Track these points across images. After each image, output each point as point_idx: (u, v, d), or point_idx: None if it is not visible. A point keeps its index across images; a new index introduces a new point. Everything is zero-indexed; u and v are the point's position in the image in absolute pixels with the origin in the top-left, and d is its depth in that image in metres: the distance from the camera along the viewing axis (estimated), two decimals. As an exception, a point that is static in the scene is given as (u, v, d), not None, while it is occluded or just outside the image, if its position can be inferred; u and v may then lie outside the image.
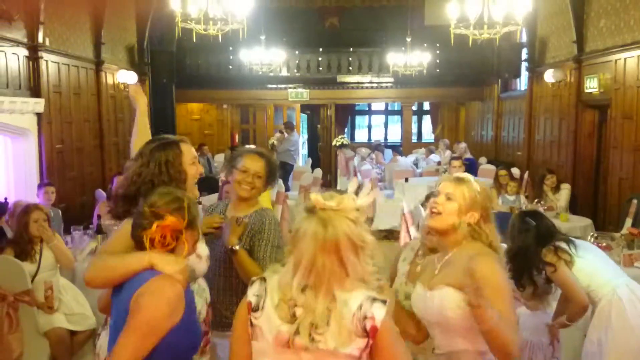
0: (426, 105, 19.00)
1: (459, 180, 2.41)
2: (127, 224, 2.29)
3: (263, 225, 3.00)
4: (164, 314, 1.95)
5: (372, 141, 18.36)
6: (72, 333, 4.57)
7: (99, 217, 5.93)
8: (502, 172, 7.73)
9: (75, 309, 4.63)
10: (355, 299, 1.84)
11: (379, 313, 1.82)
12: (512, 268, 3.49)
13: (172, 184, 2.48)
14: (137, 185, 2.50)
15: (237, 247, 2.90)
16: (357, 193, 1.96)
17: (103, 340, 2.48)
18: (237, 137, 17.13)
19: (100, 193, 8.48)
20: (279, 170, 3.28)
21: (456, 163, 7.55)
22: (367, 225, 1.94)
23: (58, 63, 8.57)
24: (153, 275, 2.01)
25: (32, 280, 4.42)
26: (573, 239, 3.63)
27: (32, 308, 4.37)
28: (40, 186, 6.66)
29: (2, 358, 4.20)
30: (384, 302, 1.85)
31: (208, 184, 8.64)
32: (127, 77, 10.95)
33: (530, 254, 3.50)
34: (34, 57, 7.84)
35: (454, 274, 2.27)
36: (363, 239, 1.88)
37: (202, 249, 2.60)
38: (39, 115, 7.95)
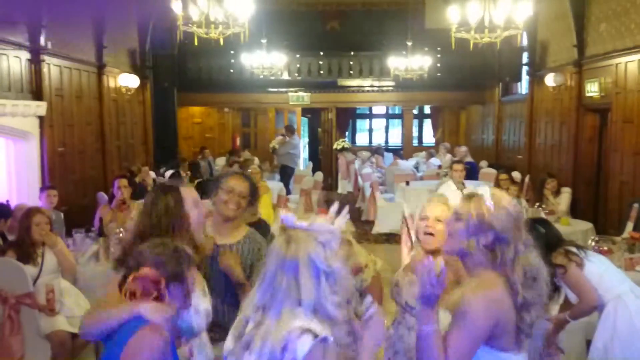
0: (427, 109, 19.03)
1: (468, 197, 2.16)
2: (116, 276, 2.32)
3: (261, 252, 3.04)
4: None
5: (373, 145, 18.40)
6: (74, 336, 4.56)
7: (100, 220, 5.94)
8: (503, 176, 7.75)
9: (76, 311, 4.63)
10: (285, 328, 1.71)
11: (301, 348, 1.69)
12: None
13: (174, 232, 2.51)
14: (140, 237, 2.53)
15: (247, 282, 2.93)
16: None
17: None
18: (238, 140, 17.15)
19: (102, 196, 8.51)
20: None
21: (458, 167, 7.55)
22: (343, 252, 1.84)
23: (60, 66, 8.59)
24: (141, 324, 2.07)
25: (34, 283, 4.43)
26: (582, 246, 3.64)
27: (33, 311, 4.38)
28: (42, 189, 6.67)
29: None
30: (316, 336, 1.70)
31: (209, 188, 8.63)
32: (129, 81, 10.98)
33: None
34: (36, 61, 7.86)
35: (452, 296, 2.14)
36: (329, 264, 1.77)
37: (201, 302, 2.56)
38: (41, 118, 7.97)
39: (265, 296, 1.80)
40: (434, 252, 2.68)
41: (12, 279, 4.37)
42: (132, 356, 2.01)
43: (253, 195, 3.22)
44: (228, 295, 2.98)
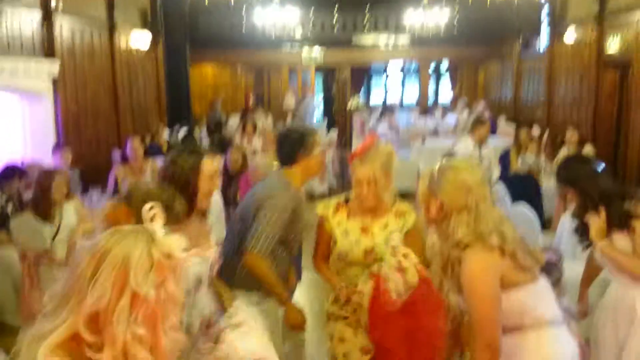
0: (444, 67, 18.70)
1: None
2: None
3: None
4: None
5: (387, 103, 18.15)
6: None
7: (114, 178, 5.95)
8: (522, 131, 7.59)
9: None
10: None
11: None
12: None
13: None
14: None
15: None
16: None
17: None
18: (251, 99, 17.02)
19: (117, 154, 8.53)
20: None
21: (483, 128, 6.93)
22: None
23: (72, 26, 8.51)
24: None
25: (52, 241, 4.46)
26: None
27: (52, 270, 4.42)
28: (56, 149, 6.68)
29: (24, 316, 4.29)
30: None
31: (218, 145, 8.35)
32: (141, 39, 10.88)
33: (614, 200, 3.08)
34: (48, 20, 7.78)
35: None
36: (141, 286, 1.28)
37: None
38: (53, 78, 7.94)
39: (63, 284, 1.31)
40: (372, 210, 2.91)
41: (30, 237, 4.41)
42: None
43: None
44: None
